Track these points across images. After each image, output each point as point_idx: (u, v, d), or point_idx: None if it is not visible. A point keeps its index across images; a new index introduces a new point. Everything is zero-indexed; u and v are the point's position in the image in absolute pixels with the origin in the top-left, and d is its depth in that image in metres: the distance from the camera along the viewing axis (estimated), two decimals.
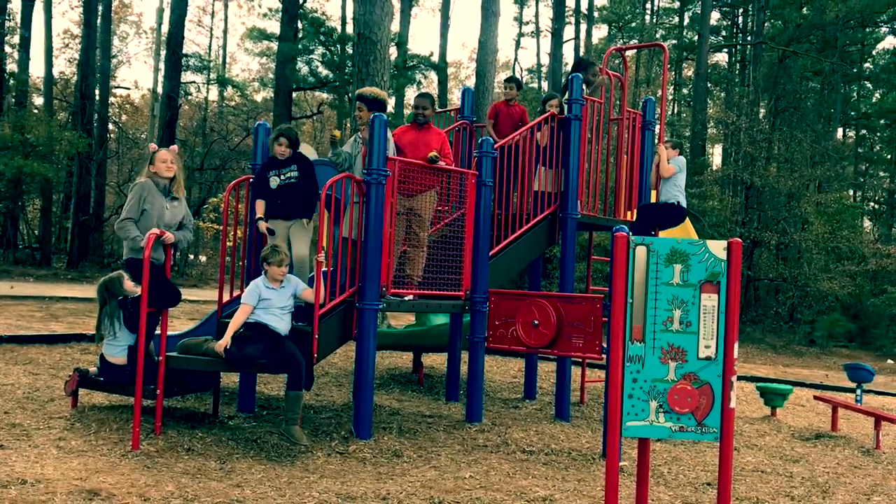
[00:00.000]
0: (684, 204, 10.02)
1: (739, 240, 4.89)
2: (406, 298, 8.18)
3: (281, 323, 7.18)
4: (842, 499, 6.90)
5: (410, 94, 46.96)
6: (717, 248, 4.88)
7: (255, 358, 6.94)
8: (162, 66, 32.86)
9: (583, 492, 6.46)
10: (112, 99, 38.39)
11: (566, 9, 39.87)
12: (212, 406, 8.21)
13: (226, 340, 6.99)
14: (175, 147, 7.82)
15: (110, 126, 36.12)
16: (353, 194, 7.95)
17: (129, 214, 7.18)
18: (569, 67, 9.85)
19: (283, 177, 8.09)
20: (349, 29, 37.43)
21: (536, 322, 7.98)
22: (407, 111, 39.74)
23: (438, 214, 9.01)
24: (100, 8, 31.08)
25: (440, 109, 11.94)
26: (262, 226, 8.00)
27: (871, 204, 44.97)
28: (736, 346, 4.85)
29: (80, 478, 5.69)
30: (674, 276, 4.88)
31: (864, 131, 45.35)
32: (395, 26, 30.64)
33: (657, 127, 10.64)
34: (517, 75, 46.55)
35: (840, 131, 43.56)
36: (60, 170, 28.67)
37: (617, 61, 24.47)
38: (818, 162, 31.09)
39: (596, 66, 10.30)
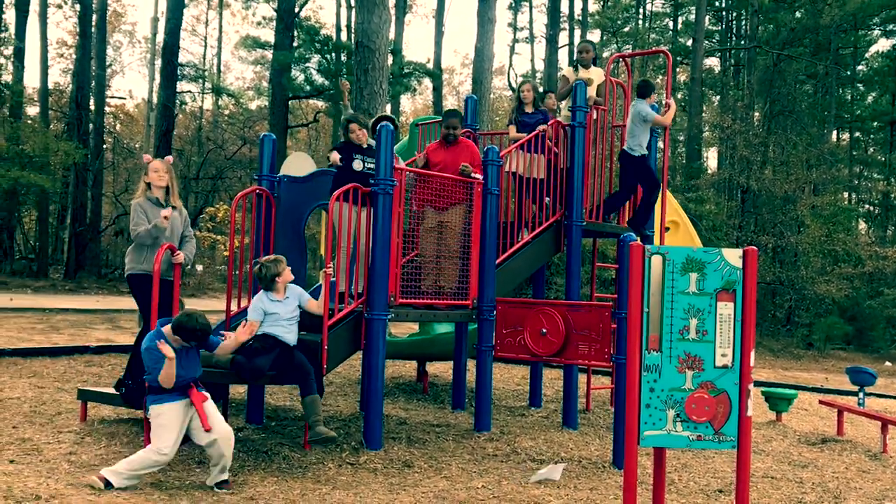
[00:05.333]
0: (636, 152, 9.83)
1: (755, 248, 4.90)
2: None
3: (290, 334, 7.16)
4: None
5: (405, 101, 47.07)
6: (733, 256, 4.89)
7: (265, 369, 6.92)
8: (157, 75, 32.81)
9: (595, 500, 6.46)
10: (107, 109, 38.34)
11: (560, 14, 39.94)
12: None
13: (237, 340, 6.99)
14: (169, 158, 7.97)
15: (106, 136, 36.04)
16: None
17: (138, 226, 7.36)
18: (563, 72, 9.99)
19: (367, 165, 8.21)
20: (344, 37, 37.49)
21: (544, 330, 7.98)
22: (403, 118, 39.78)
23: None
24: (94, 18, 31.06)
25: (438, 118, 11.95)
26: (335, 156, 8.20)
27: (866, 206, 45.08)
28: (752, 354, 4.86)
29: (93, 493, 5.67)
30: (689, 284, 4.89)
31: (857, 134, 45.52)
32: (390, 34, 30.73)
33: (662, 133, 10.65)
34: (512, 81, 46.65)
35: (834, 134, 43.67)
36: (57, 181, 28.59)
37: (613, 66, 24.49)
38: (813, 165, 31.15)
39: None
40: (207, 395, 6.32)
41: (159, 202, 7.50)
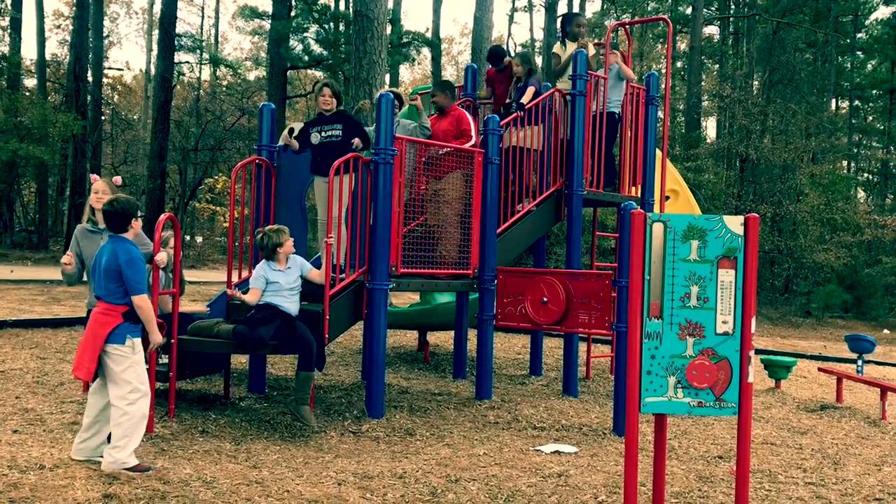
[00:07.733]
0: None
1: (756, 215, 4.90)
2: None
3: (291, 304, 7.17)
4: (853, 470, 6.95)
5: (404, 71, 46.83)
6: (734, 223, 4.88)
7: (267, 339, 6.95)
8: (154, 46, 32.65)
9: (596, 467, 6.50)
10: (105, 80, 38.19)
11: None
12: (223, 388, 8.23)
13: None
14: (118, 178, 7.04)
15: (104, 108, 35.91)
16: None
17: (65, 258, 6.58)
18: (554, 50, 9.97)
19: (324, 134, 8.12)
20: (342, 6, 37.25)
21: (545, 299, 8.01)
22: (401, 89, 39.59)
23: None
24: None
25: None
26: (290, 140, 8.15)
27: (865, 175, 45.04)
28: (753, 321, 4.87)
29: (97, 462, 5.70)
30: (691, 251, 4.89)
31: (857, 102, 45.38)
32: (389, 3, 30.56)
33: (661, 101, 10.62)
34: (510, 50, 46.38)
35: (833, 102, 43.55)
36: (55, 152, 28.53)
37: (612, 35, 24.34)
38: (812, 133, 31.07)
39: (580, 17, 10.44)
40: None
41: (97, 229, 6.59)
